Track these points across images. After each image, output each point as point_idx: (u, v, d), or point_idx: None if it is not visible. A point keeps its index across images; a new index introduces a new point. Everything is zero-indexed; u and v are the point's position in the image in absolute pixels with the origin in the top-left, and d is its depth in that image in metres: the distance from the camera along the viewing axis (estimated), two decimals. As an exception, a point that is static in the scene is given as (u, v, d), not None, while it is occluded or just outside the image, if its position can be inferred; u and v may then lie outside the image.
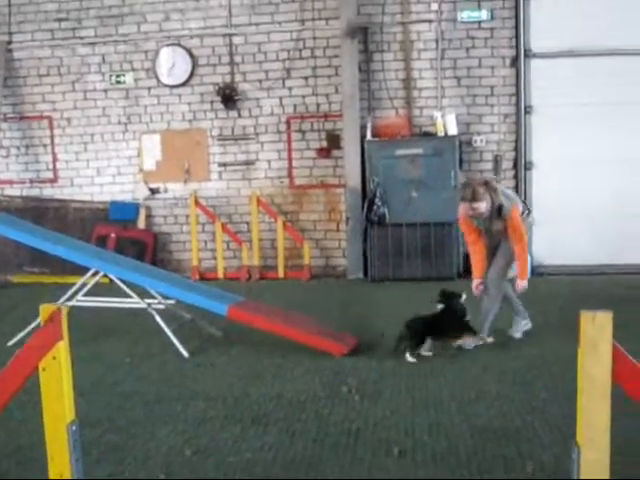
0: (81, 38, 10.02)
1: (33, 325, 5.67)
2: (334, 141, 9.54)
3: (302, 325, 6.16)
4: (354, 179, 9.22)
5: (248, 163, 9.86)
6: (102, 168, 10.20)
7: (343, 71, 9.15)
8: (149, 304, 6.30)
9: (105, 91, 10.06)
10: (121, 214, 10.02)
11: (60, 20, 10.01)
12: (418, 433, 4.01)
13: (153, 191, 10.07)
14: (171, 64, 9.78)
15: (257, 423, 4.24)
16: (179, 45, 9.75)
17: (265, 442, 3.92)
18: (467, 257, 9.02)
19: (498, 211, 5.72)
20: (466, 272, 8.98)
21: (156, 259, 10.06)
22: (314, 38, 9.50)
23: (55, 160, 10.31)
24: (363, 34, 9.33)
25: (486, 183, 5.82)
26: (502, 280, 5.99)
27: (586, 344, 1.84)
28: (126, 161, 10.13)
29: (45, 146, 10.32)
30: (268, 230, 9.78)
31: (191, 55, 9.74)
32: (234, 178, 9.87)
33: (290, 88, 9.65)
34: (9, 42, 10.19)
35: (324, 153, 9.64)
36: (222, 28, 9.67)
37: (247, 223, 9.79)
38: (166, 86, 9.87)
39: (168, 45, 9.78)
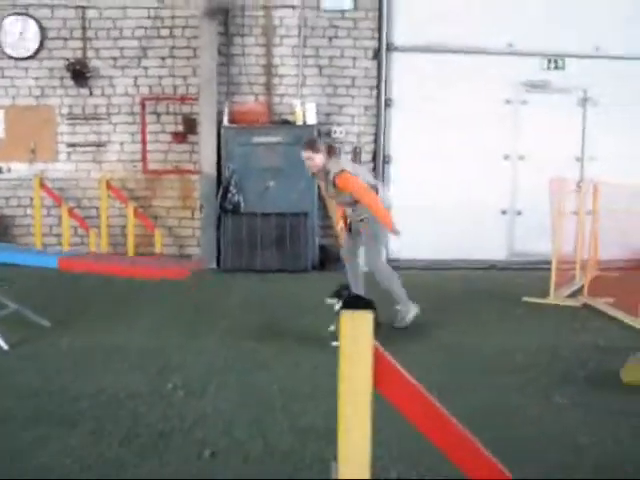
0: None
1: None
2: (191, 125, 9.21)
3: (141, 262, 5.91)
4: (209, 165, 8.93)
5: (99, 145, 9.36)
6: (-63, 143, 9.43)
7: (201, 53, 8.84)
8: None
9: (-63, 61, 9.29)
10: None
11: None
12: (236, 432, 3.82)
13: (-2, 170, 9.40)
14: (17, 35, 9.12)
15: (65, 422, 3.91)
16: (27, 15, 9.11)
17: (67, 444, 3.61)
18: (323, 249, 9.08)
19: (327, 174, 6.02)
20: (321, 265, 8.96)
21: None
22: (173, 17, 9.12)
23: None
24: (224, 16, 9.04)
25: (330, 146, 6.63)
26: (379, 259, 6.45)
27: (345, 346, 1.67)
28: (-36, 137, 9.42)
29: None
30: (119, 216, 9.33)
31: (40, 26, 9.12)
32: (84, 160, 9.35)
33: (146, 68, 9.23)
34: None
35: (180, 138, 9.29)
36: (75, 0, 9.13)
37: (96, 208, 9.31)
38: (11, 58, 9.21)
39: (14, 14, 9.12)
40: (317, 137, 7.31)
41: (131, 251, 9.13)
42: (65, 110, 9.31)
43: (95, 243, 9.13)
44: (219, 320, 6.33)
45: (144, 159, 9.37)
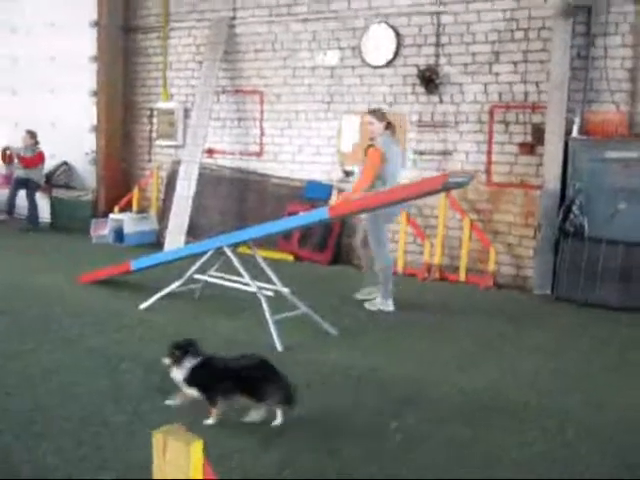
0: (295, 15, 9.95)
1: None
2: (540, 136, 8.37)
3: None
4: (553, 181, 8.03)
5: (445, 153, 9.08)
6: (303, 146, 10.11)
7: (552, 56, 7.97)
8: (260, 288, 6.05)
9: (312, 69, 9.90)
10: (315, 194, 9.83)
11: (278, -4, 10.06)
12: None
13: (347, 173, 9.73)
14: (376, 43, 9.30)
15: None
16: (386, 23, 9.22)
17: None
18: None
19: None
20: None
21: (342, 244, 9.77)
22: (529, 18, 8.38)
23: (262, 134, 10.43)
24: (585, 14, 8.03)
25: (389, 123, 7.04)
26: (378, 246, 6.94)
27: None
28: (325, 141, 9.91)
29: (255, 120, 10.48)
30: (457, 228, 8.96)
31: (397, 34, 9.16)
32: (428, 168, 9.15)
33: (497, 74, 8.65)
34: (233, 18, 10.46)
35: (527, 149, 8.52)
36: (431, 6, 8.95)
37: (436, 217, 9.07)
38: (370, 66, 9.43)
39: (375, 23, 9.30)
40: (384, 110, 7.56)
41: (464, 266, 8.72)
42: (414, 117, 9.22)
43: (430, 253, 8.92)
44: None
45: (488, 170, 8.83)
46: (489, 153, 8.80)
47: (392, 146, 6.97)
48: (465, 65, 8.81)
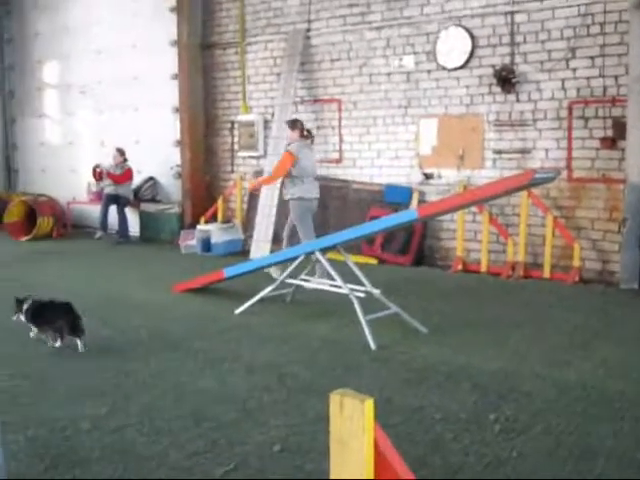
0: (369, 23, 10.17)
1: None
2: (621, 130, 8.34)
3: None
4: (636, 174, 8.00)
5: (524, 151, 9.13)
6: (382, 151, 10.31)
7: (630, 48, 7.95)
8: (351, 290, 6.26)
9: (388, 74, 10.10)
10: (395, 197, 10.02)
11: (352, 6, 10.27)
12: None
13: (427, 176, 9.88)
14: (451, 46, 9.42)
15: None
16: (460, 26, 9.34)
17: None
18: None
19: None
20: None
21: (424, 246, 9.91)
22: (605, 12, 8.37)
23: (341, 142, 10.68)
24: (665, 5, 7.98)
25: (305, 130, 8.42)
26: (308, 232, 7.98)
27: (334, 442, 1.33)
28: (404, 144, 10.09)
29: (333, 128, 10.74)
30: (540, 225, 8.98)
31: (471, 36, 9.27)
32: (509, 167, 9.21)
33: (574, 69, 8.67)
34: (308, 29, 10.76)
35: (608, 143, 8.50)
36: (504, 6, 9.03)
37: (519, 216, 9.11)
38: (445, 69, 9.56)
39: (449, 26, 9.43)
40: (298, 120, 8.65)
41: (548, 263, 8.74)
42: (492, 117, 9.30)
43: (513, 251, 8.98)
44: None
45: (569, 167, 8.83)
46: (569, 149, 8.81)
47: (304, 150, 8.27)
48: (541, 62, 8.86)
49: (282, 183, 8.65)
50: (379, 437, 1.26)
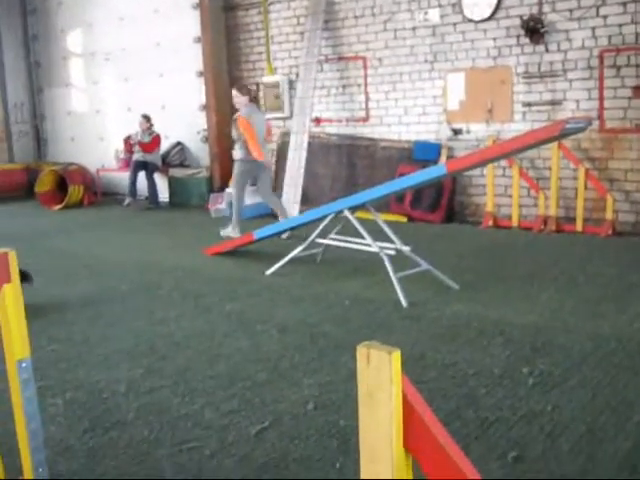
0: (392, -24, 9.99)
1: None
2: (654, 77, 8.16)
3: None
4: (670, 123, 7.84)
5: (554, 103, 8.95)
6: (409, 107, 10.18)
7: (664, -7, 7.73)
8: (381, 248, 6.24)
9: (413, 29, 9.92)
10: (424, 154, 9.92)
11: (376, -40, 10.09)
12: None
13: (456, 132, 9.75)
14: (477, -3, 9.23)
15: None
16: (486, -24, 9.14)
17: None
18: None
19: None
20: None
21: (454, 202, 9.83)
22: (638, -46, 8.12)
23: (367, 99, 10.56)
24: (698, -55, 7.72)
25: (254, 97, 9.10)
26: (236, 187, 9.03)
27: (362, 395, 1.32)
28: (431, 100, 9.96)
29: (359, 86, 10.62)
30: (572, 178, 8.84)
31: (498, -14, 9.07)
32: (539, 119, 9.05)
33: (605, 17, 8.43)
34: (331, -15, 10.60)
35: (641, 92, 8.33)
36: (531, -47, 8.80)
37: (550, 169, 8.97)
38: (471, 21, 9.37)
39: (474, -23, 9.23)
40: (246, 85, 9.56)
41: (580, 216, 8.62)
42: (521, 69, 9.12)
43: (545, 205, 8.86)
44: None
45: (601, 117, 8.65)
46: (601, 99, 8.62)
47: (254, 114, 8.76)
48: (570, 11, 8.63)
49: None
50: (407, 388, 1.25)
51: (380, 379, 1.21)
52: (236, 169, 8.95)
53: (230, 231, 8.97)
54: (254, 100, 9.01)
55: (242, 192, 9.04)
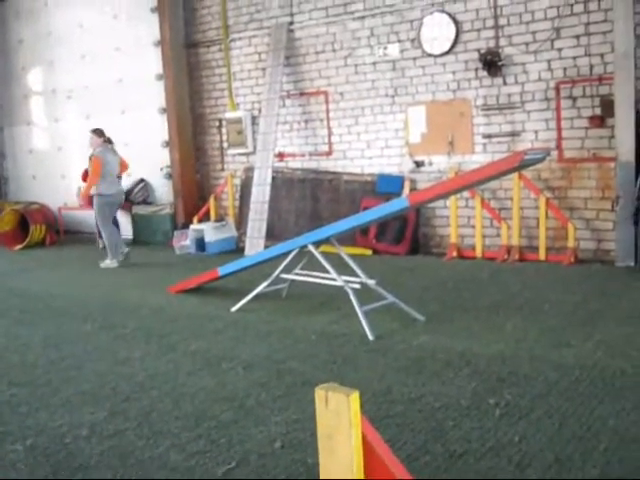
0: (352, 13, 10.12)
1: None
2: (609, 108, 8.31)
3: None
4: (626, 152, 7.98)
5: (514, 134, 9.10)
6: (371, 141, 10.27)
7: (615, 26, 7.91)
8: (346, 282, 6.23)
9: (374, 64, 10.05)
10: (387, 187, 9.98)
11: (333, -4, 10.23)
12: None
13: (418, 164, 9.85)
14: (435, 32, 9.38)
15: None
16: (443, 11, 9.30)
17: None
18: None
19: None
20: None
21: (419, 234, 9.88)
22: (588, -10, 8.35)
23: (330, 134, 10.64)
24: (647, -21, 7.95)
25: (108, 139, 10.18)
26: (102, 221, 10.07)
27: (322, 437, 1.30)
28: (393, 133, 10.06)
29: (322, 120, 10.70)
30: (533, 208, 8.96)
31: (455, 21, 9.22)
32: (499, 151, 9.18)
33: (560, 49, 8.63)
34: (291, 23, 10.70)
35: (597, 122, 8.47)
36: (487, -11, 9.00)
37: (511, 199, 9.08)
38: (430, 55, 9.52)
39: (432, 12, 9.39)
40: (100, 129, 10.26)
41: (542, 245, 8.72)
42: (480, 101, 9.27)
43: (507, 235, 8.96)
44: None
45: (559, 147, 8.81)
46: (559, 130, 8.78)
47: (107, 154, 9.99)
48: (526, 44, 8.82)
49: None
50: (366, 429, 1.24)
51: (339, 421, 1.19)
52: (96, 205, 9.99)
53: (109, 262, 10.00)
54: (107, 141, 10.19)
55: (109, 223, 10.07)
